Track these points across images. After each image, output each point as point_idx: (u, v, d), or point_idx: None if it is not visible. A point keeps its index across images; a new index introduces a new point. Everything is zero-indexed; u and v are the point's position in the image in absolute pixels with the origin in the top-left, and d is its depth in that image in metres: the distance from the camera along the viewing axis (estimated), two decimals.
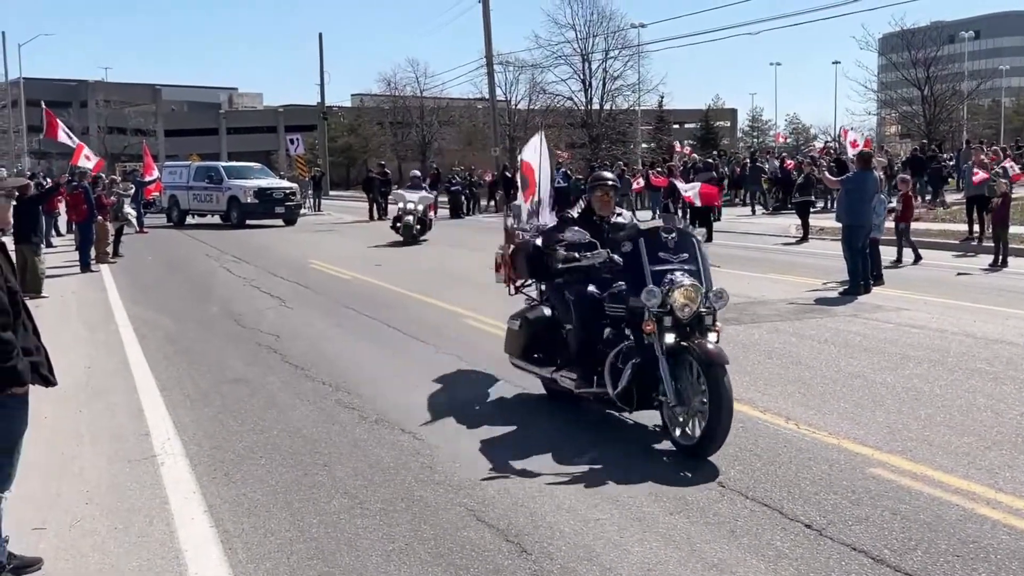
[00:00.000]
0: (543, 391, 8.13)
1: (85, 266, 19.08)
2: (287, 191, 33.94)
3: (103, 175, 23.43)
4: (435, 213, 33.86)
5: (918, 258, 17.42)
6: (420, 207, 25.38)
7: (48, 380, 4.77)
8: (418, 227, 24.99)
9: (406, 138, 78.80)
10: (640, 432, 6.99)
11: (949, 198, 30.25)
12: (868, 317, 11.69)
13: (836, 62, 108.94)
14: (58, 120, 24.15)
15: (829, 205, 29.79)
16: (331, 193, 59.18)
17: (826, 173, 18.33)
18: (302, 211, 36.74)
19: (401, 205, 25.62)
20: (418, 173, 30.29)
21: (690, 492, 5.73)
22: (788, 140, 76.32)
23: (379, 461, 6.45)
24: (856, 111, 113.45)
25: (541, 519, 5.33)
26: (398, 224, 25.22)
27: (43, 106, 24.59)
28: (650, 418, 7.07)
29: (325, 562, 4.86)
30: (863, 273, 13.78)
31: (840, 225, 14.52)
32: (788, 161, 35.17)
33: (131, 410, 8.01)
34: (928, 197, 32.78)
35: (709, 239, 22.86)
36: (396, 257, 20.72)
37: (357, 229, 31.87)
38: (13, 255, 5.16)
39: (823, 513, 5.33)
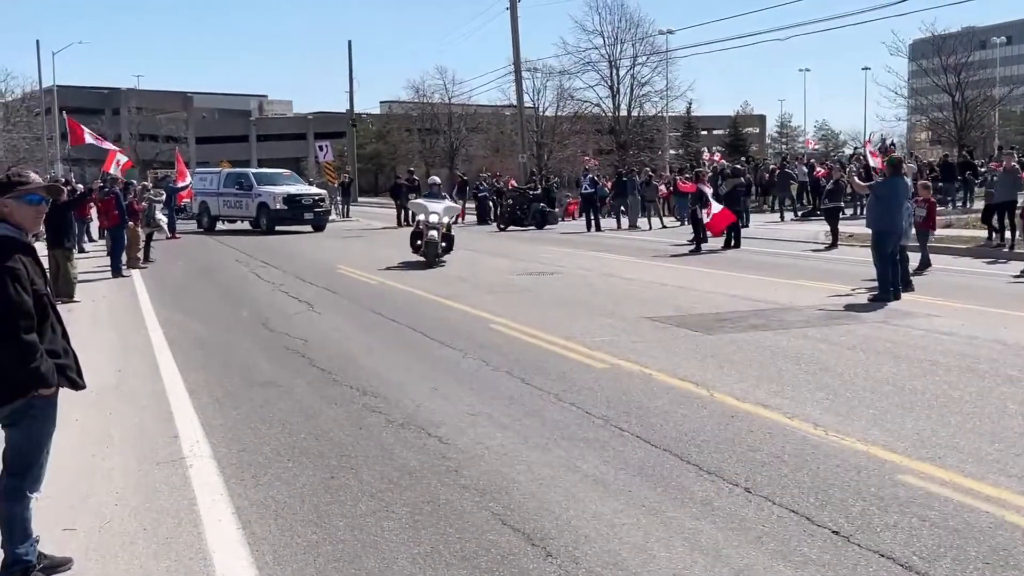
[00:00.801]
0: (566, 401, 8.14)
1: (116, 271, 19.27)
2: (316, 197, 34.13)
3: (134, 181, 23.66)
4: (463, 219, 33.97)
5: (926, 265, 17.14)
6: (445, 219, 20.96)
7: (76, 383, 4.81)
8: (443, 244, 20.52)
9: (434, 145, 79.09)
10: (667, 438, 6.97)
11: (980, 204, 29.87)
12: (898, 324, 11.59)
13: (866, 68, 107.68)
14: (83, 127, 24.34)
15: (859, 211, 29.61)
16: (359, 199, 59.58)
17: (855, 178, 18.20)
18: (331, 217, 36.91)
19: (422, 217, 20.86)
20: (438, 179, 24.42)
21: (716, 497, 5.71)
22: (817, 146, 75.95)
23: (405, 465, 6.47)
24: (886, 117, 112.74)
25: (566, 523, 5.33)
26: (419, 242, 20.50)
27: (64, 115, 24.93)
28: (670, 417, 7.04)
29: (351, 564, 4.88)
30: (893, 280, 13.67)
31: (870, 231, 14.40)
32: (819, 169, 34.94)
33: (160, 413, 8.08)
34: (960, 203, 32.52)
35: (737, 245, 22.87)
36: (423, 263, 20.75)
37: (385, 235, 32.02)
38: (45, 260, 5.22)
39: (851, 519, 5.29)
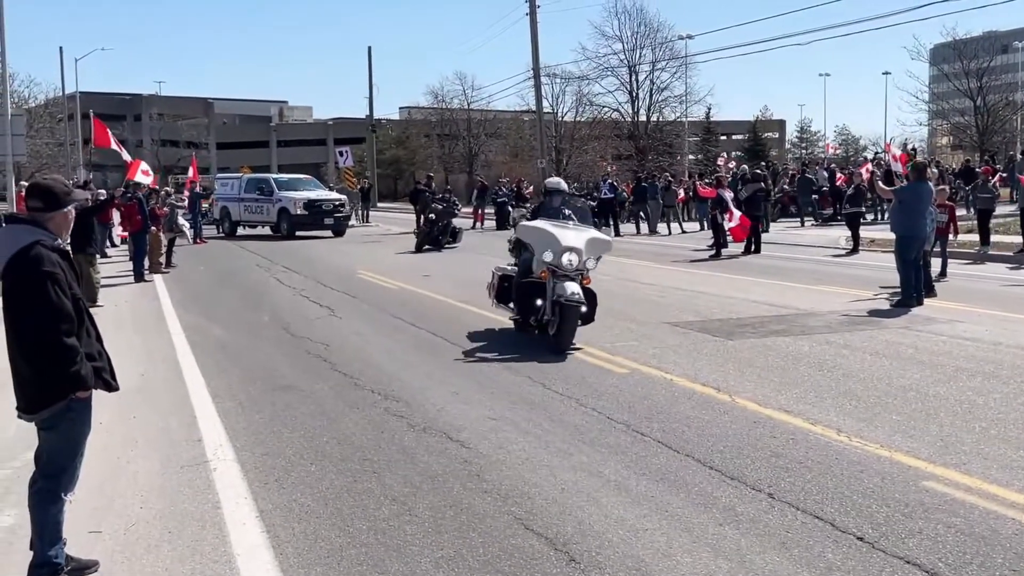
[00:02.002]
0: (587, 406, 8.13)
1: (139, 276, 19.40)
2: (336, 203, 34.27)
3: (156, 186, 23.82)
4: (482, 224, 33.76)
5: (943, 271, 16.99)
6: (591, 264, 11.25)
7: (110, 385, 4.88)
8: (584, 309, 10.77)
9: (453, 150, 79.31)
10: (690, 443, 6.95)
11: (1006, 209, 29.61)
12: (920, 329, 11.52)
13: (886, 73, 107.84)
14: (108, 130, 24.46)
15: (880, 217, 29.46)
16: (379, 205, 59.73)
17: (880, 183, 18.08)
18: (350, 222, 37.04)
19: (549, 258, 10.87)
20: (562, 184, 12.83)
21: (740, 503, 5.69)
22: (838, 151, 75.70)
23: (427, 469, 6.48)
24: (907, 122, 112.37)
25: (589, 528, 5.33)
26: (538, 302, 10.88)
27: (91, 115, 25.05)
28: (692, 422, 7.01)
29: (375, 568, 4.89)
30: (916, 285, 13.60)
31: (893, 236, 14.33)
32: (840, 175, 34.79)
33: (184, 416, 8.13)
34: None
35: (757, 251, 22.80)
36: (442, 268, 20.79)
37: (404, 240, 32.02)
38: None
39: (875, 526, 5.27)
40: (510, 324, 12.11)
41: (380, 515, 5.63)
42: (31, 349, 4.53)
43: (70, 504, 4.80)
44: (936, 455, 6.53)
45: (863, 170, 26.20)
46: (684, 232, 32.30)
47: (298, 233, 32.59)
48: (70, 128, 61.15)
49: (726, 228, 22.64)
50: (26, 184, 8.68)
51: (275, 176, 38.82)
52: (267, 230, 34.22)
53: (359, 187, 46.96)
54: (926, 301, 13.60)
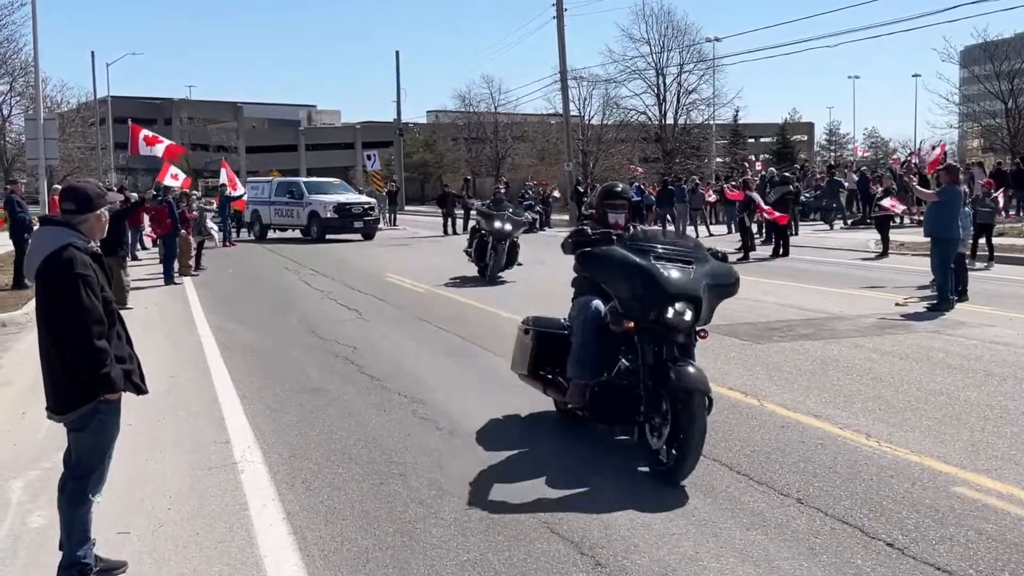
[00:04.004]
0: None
1: (169, 279, 19.55)
2: (366, 206, 34.33)
3: (186, 191, 23.98)
4: None
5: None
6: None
7: (139, 388, 4.92)
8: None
9: (480, 154, 79.43)
10: (717, 448, 6.91)
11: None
12: (951, 333, 11.40)
13: (916, 75, 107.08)
14: (143, 131, 24.36)
15: (910, 220, 29.17)
16: (406, 208, 59.91)
17: (918, 187, 17.86)
18: (379, 226, 37.14)
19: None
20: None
21: (768, 508, 5.66)
22: (867, 154, 75.01)
23: (454, 472, 6.48)
24: (937, 124, 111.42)
25: (616, 532, 5.31)
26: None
27: (129, 123, 25.04)
28: (720, 426, 6.97)
29: (400, 571, 4.90)
30: (951, 289, 13.47)
31: (923, 240, 14.16)
32: (875, 183, 34.49)
33: (212, 418, 8.17)
34: (1014, 211, 31.96)
35: (786, 254, 22.65)
36: (470, 271, 20.79)
37: (432, 244, 32.15)
38: None
39: (905, 532, 5.22)
40: None
41: (406, 517, 5.63)
42: (63, 350, 4.58)
43: (97, 505, 4.84)
44: (967, 460, 6.46)
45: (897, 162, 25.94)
46: (711, 235, 32.15)
47: (328, 236, 32.71)
48: (101, 132, 61.76)
49: (769, 217, 22.44)
50: (60, 187, 8.78)
51: (305, 179, 38.97)
52: (297, 233, 34.39)
53: (386, 190, 47.15)
54: (957, 305, 13.46)
